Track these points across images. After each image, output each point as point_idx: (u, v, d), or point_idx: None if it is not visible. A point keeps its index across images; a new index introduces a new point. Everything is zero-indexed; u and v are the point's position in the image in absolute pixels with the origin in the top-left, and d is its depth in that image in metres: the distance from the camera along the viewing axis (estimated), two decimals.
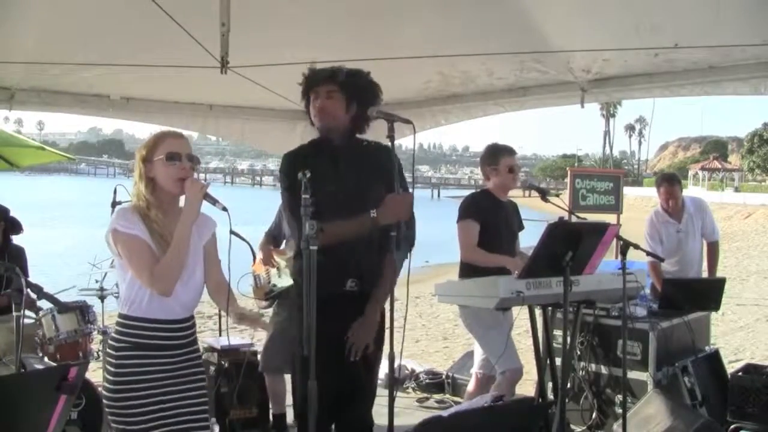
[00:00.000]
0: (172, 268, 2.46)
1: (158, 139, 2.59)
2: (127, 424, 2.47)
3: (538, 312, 3.81)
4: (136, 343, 2.51)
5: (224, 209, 2.51)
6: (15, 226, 4.85)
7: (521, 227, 4.38)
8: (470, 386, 4.44)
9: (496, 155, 4.19)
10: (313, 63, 3.18)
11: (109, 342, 2.59)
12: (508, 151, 4.23)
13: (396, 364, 2.73)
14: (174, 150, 2.54)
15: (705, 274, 5.56)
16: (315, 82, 2.97)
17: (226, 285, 2.74)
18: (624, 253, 3.83)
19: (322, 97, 2.94)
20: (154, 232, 2.49)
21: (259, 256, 4.65)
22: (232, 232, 2.59)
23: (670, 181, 5.34)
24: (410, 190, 2.97)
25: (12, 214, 4.85)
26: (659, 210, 5.36)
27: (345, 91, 2.94)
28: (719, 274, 5.60)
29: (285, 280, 4.46)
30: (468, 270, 4.06)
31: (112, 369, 2.51)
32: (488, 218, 4.10)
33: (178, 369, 2.57)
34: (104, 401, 2.53)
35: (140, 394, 2.48)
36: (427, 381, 5.80)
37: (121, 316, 2.56)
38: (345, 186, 2.89)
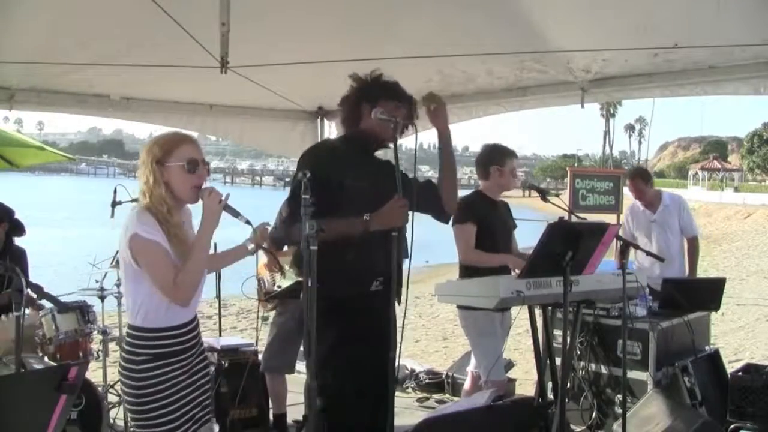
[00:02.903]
0: (194, 279, 2.43)
1: (175, 143, 2.51)
2: None
3: (538, 312, 3.81)
4: (156, 354, 2.47)
5: (247, 222, 2.48)
6: (18, 228, 4.85)
7: (513, 226, 4.40)
8: (466, 384, 4.47)
9: (502, 157, 4.22)
10: (308, 62, 3.19)
11: (126, 356, 2.50)
12: (513, 154, 4.30)
13: (396, 364, 2.75)
14: (194, 156, 2.49)
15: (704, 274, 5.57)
16: (404, 97, 3.05)
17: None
18: (624, 253, 3.84)
19: (404, 112, 3.02)
20: (173, 238, 2.44)
21: (263, 260, 4.65)
22: (259, 247, 2.56)
23: (631, 175, 5.67)
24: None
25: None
26: (636, 201, 5.58)
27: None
28: (719, 274, 5.61)
29: (290, 281, 4.46)
30: (468, 271, 4.07)
31: (136, 383, 2.45)
32: (484, 219, 4.12)
33: (194, 370, 2.58)
34: (131, 414, 2.50)
35: (168, 402, 2.46)
36: (427, 381, 5.81)
37: (134, 328, 2.49)
38: (367, 191, 2.93)
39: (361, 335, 2.85)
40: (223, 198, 2.47)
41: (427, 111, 3.09)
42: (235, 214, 2.47)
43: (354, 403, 2.86)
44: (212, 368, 4.45)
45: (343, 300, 2.76)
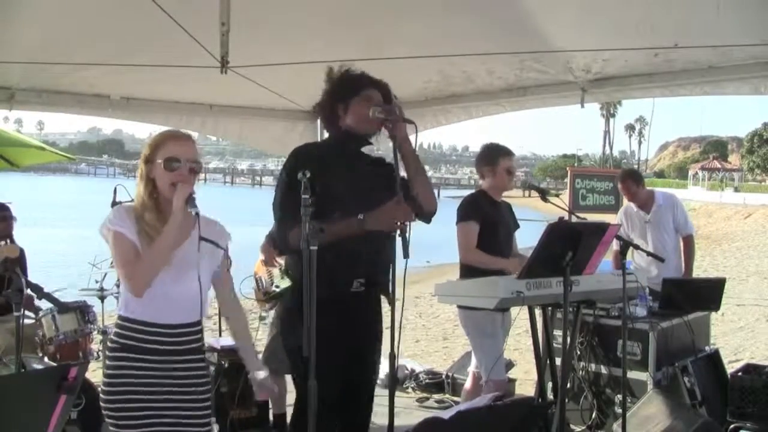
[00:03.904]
0: (145, 269, 2.40)
1: (161, 140, 2.52)
2: (119, 426, 2.44)
3: (538, 312, 3.81)
4: (127, 345, 2.46)
5: (197, 214, 2.45)
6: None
7: (516, 226, 4.39)
8: (467, 384, 4.46)
9: (494, 156, 4.20)
10: (308, 62, 3.18)
11: (107, 344, 2.58)
12: (507, 153, 4.23)
13: (396, 364, 2.75)
14: (174, 155, 2.47)
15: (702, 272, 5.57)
16: (365, 85, 2.96)
17: (238, 308, 2.75)
18: (624, 253, 3.84)
19: (379, 98, 2.96)
20: (144, 234, 2.45)
21: (261, 257, 4.65)
22: (201, 238, 2.53)
23: (621, 178, 5.64)
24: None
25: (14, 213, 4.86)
26: (630, 203, 5.58)
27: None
28: (719, 274, 5.62)
29: (288, 281, 4.45)
30: (468, 271, 4.07)
31: (107, 371, 2.49)
32: (487, 219, 4.10)
33: (171, 377, 2.51)
34: (101, 405, 2.50)
35: (130, 398, 2.43)
36: (427, 381, 5.81)
37: (119, 317, 2.53)
38: (356, 191, 2.87)
39: (338, 336, 2.80)
40: (192, 192, 2.46)
41: (385, 113, 2.89)
42: (192, 206, 2.46)
43: (326, 406, 2.83)
44: (212, 368, 4.49)
45: (320, 302, 2.73)
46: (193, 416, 2.54)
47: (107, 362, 2.50)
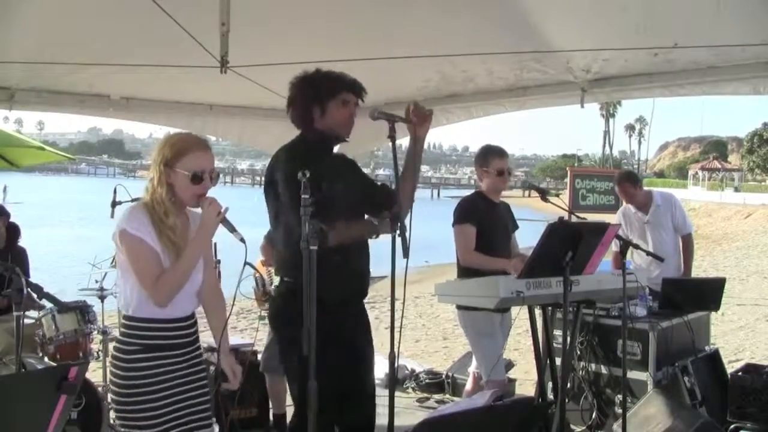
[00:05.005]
0: (175, 284, 2.44)
1: (186, 148, 2.51)
2: (141, 427, 2.45)
3: (538, 312, 3.81)
4: (146, 344, 2.48)
5: (242, 240, 2.47)
6: (15, 230, 4.86)
7: (515, 227, 4.39)
8: (468, 385, 4.47)
9: (486, 157, 4.21)
10: (308, 62, 3.19)
11: (117, 345, 2.55)
12: (499, 154, 4.23)
13: (396, 365, 2.76)
14: (200, 168, 2.50)
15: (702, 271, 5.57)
16: (341, 88, 2.99)
17: (218, 290, 2.75)
18: (624, 253, 3.84)
19: (353, 105, 3.01)
20: (166, 239, 2.45)
21: (260, 257, 4.65)
22: (247, 263, 2.57)
23: (618, 180, 5.66)
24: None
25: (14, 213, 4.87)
26: (628, 204, 5.60)
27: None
28: (719, 274, 5.62)
29: None
30: (465, 271, 4.06)
31: (123, 372, 2.47)
32: (484, 221, 4.10)
33: (186, 368, 2.57)
34: (115, 405, 2.51)
35: (154, 396, 2.46)
36: (427, 381, 5.82)
37: (126, 318, 2.52)
38: (347, 188, 2.94)
39: (341, 338, 2.86)
40: (222, 211, 2.47)
41: (417, 114, 2.97)
42: (231, 229, 2.48)
43: (333, 407, 2.86)
44: (212, 368, 4.49)
45: (335, 310, 2.75)
46: (201, 404, 2.60)
47: (123, 365, 2.47)
